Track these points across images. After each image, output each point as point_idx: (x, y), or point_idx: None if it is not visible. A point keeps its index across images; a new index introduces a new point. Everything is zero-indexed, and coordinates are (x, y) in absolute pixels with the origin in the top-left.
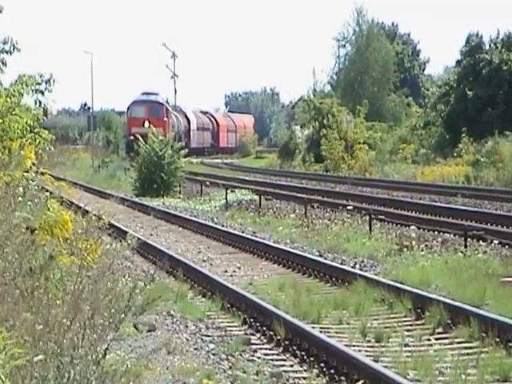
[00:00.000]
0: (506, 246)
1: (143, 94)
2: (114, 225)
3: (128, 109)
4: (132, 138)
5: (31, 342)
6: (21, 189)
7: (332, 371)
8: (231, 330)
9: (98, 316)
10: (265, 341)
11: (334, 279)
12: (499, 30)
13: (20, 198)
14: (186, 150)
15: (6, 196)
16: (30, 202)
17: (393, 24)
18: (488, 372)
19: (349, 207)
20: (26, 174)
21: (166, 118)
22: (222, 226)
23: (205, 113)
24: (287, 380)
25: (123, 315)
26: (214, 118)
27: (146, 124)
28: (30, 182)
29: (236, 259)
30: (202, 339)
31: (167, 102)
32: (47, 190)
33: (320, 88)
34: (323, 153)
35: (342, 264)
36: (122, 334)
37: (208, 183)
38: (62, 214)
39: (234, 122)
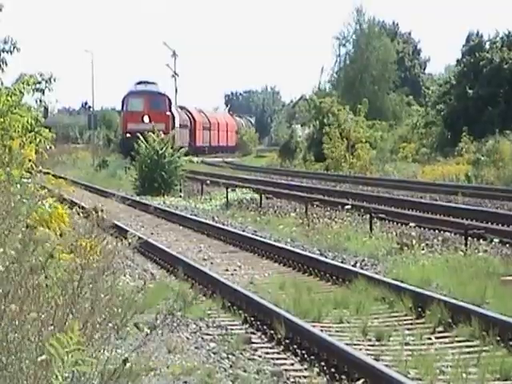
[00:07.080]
0: (507, 245)
1: (140, 83)
2: (114, 223)
3: (123, 102)
4: (129, 135)
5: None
6: (18, 186)
7: (333, 370)
8: (232, 329)
9: (100, 316)
10: (265, 339)
11: (334, 278)
12: (499, 30)
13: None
14: (187, 149)
15: (5, 194)
16: (26, 201)
17: (393, 23)
18: (489, 371)
19: (347, 206)
20: (25, 172)
21: (168, 112)
22: (223, 224)
23: (182, 108)
24: (288, 379)
25: (129, 317)
26: (191, 114)
27: (146, 119)
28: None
29: (237, 258)
30: (202, 338)
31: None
32: (45, 188)
33: (322, 87)
34: (325, 151)
35: (342, 263)
36: (123, 333)
37: (208, 182)
38: (57, 207)
39: (208, 119)
